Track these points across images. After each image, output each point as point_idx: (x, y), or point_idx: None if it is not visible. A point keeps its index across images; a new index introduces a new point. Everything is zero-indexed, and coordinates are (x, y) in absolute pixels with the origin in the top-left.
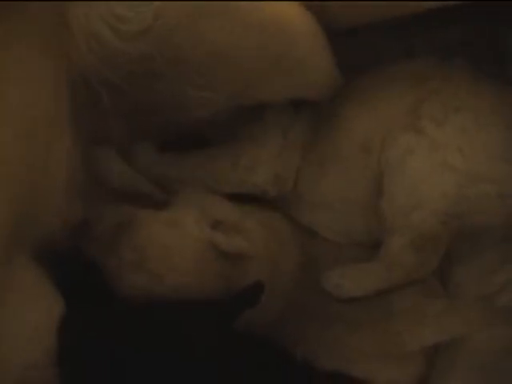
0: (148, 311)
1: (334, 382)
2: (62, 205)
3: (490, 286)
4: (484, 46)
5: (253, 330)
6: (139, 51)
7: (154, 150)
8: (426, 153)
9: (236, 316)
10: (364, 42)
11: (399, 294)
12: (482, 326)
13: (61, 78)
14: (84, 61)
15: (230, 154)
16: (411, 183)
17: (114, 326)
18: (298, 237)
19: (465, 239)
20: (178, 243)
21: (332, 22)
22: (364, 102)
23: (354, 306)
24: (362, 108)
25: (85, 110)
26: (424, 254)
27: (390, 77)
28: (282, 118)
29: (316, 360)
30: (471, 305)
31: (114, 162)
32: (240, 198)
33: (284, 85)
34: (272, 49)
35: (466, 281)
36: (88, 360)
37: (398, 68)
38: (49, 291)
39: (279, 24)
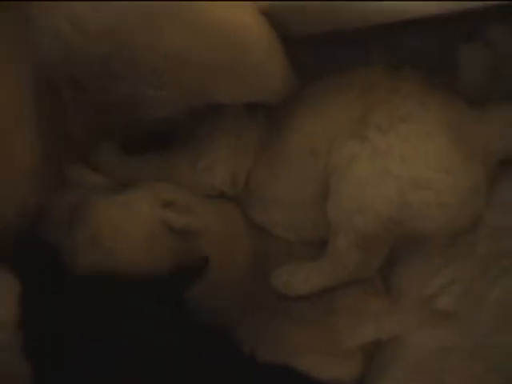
0: (99, 286)
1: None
2: (22, 193)
3: (430, 289)
4: (437, 57)
5: (204, 317)
6: (100, 51)
7: (117, 150)
8: (370, 159)
9: (184, 289)
10: (322, 48)
11: (342, 293)
12: (419, 326)
13: (23, 75)
14: (46, 59)
15: (188, 157)
16: (355, 188)
17: (66, 300)
18: (251, 230)
19: (408, 243)
20: (130, 222)
21: (288, 29)
22: (315, 107)
23: (299, 302)
24: (313, 113)
25: (48, 107)
26: (367, 254)
27: (343, 84)
28: (237, 120)
29: (262, 351)
30: (409, 306)
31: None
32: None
33: (238, 88)
34: (226, 53)
35: (408, 282)
36: (46, 332)
37: (350, 75)
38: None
39: (234, 30)
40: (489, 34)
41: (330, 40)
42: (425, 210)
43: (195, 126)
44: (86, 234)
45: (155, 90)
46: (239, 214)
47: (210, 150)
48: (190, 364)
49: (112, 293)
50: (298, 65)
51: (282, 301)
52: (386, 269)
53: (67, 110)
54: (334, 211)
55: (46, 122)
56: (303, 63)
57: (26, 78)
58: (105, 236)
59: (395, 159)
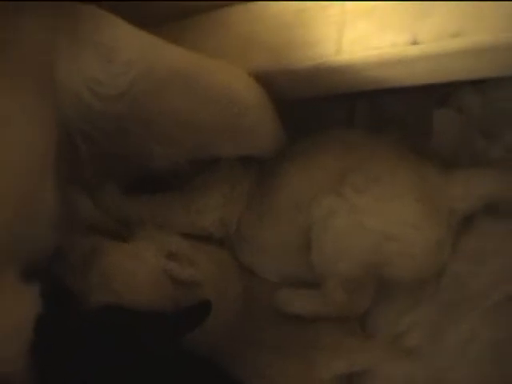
0: (108, 318)
1: None
2: (45, 234)
3: (399, 327)
4: (414, 120)
5: (198, 351)
6: (114, 111)
7: (118, 192)
8: (347, 215)
9: (185, 328)
10: (311, 109)
11: (321, 332)
12: (387, 360)
13: (47, 129)
14: (65, 114)
15: (184, 200)
16: (335, 238)
17: (79, 328)
18: (241, 272)
19: (382, 286)
20: (137, 270)
21: (279, 93)
22: (301, 164)
23: (284, 337)
24: (299, 169)
25: (64, 155)
26: (354, 295)
27: (327, 143)
28: (232, 171)
29: (251, 381)
30: (380, 342)
31: (85, 201)
32: (194, 237)
33: (235, 145)
34: (225, 116)
35: (381, 322)
36: (58, 355)
37: (334, 136)
38: (28, 297)
39: (232, 97)
40: (460, 101)
41: (318, 102)
42: (396, 259)
43: (193, 174)
44: (99, 278)
45: (162, 146)
46: (231, 259)
47: (204, 196)
48: None
49: (117, 325)
50: (288, 124)
51: (267, 335)
52: None
53: (81, 158)
54: (317, 259)
55: (63, 168)
56: (293, 122)
57: (53, 129)
58: (115, 281)
59: (369, 215)
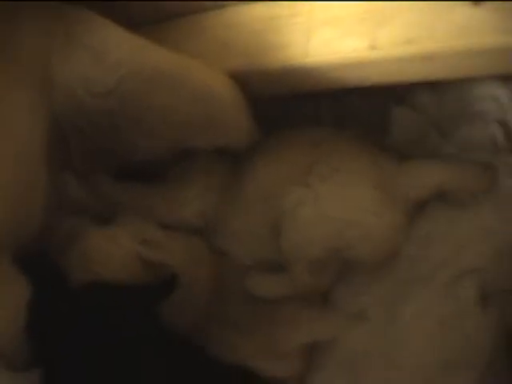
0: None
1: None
2: (37, 216)
3: (358, 304)
4: (374, 116)
5: (175, 330)
6: (104, 107)
7: (105, 179)
8: (313, 204)
9: (157, 299)
10: (280, 107)
11: (281, 306)
12: (347, 330)
13: (43, 123)
14: (59, 109)
15: (163, 192)
16: (302, 227)
17: (67, 304)
18: (216, 258)
19: (344, 267)
20: (114, 253)
21: (252, 92)
22: (271, 157)
23: (248, 314)
24: (267, 163)
25: (56, 145)
26: (318, 276)
27: (295, 139)
28: (209, 163)
29: (223, 355)
30: (339, 314)
31: (72, 186)
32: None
33: (211, 138)
34: (203, 113)
35: (340, 299)
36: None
37: (302, 133)
38: (20, 281)
39: (209, 94)
40: (417, 101)
41: (288, 100)
42: (356, 243)
43: (172, 165)
44: (79, 258)
45: (146, 139)
46: (204, 247)
47: (184, 188)
48: (160, 360)
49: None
50: (260, 120)
51: (235, 314)
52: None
53: (72, 149)
54: (286, 244)
55: (54, 158)
56: (264, 119)
57: (46, 122)
58: (94, 262)
59: (332, 203)
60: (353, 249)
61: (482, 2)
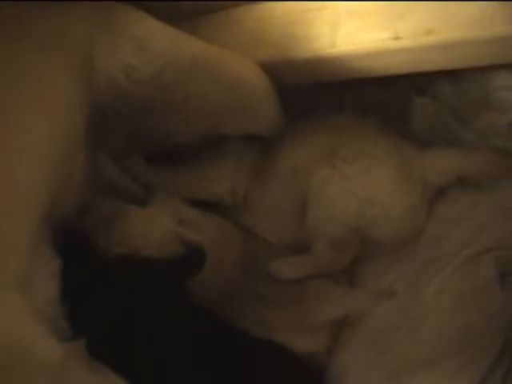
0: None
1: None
2: (75, 194)
3: (383, 283)
4: (396, 105)
5: (202, 305)
6: (143, 94)
7: (143, 162)
8: (338, 183)
9: (186, 272)
10: (307, 94)
11: (312, 283)
12: (372, 304)
13: (84, 105)
14: (101, 94)
15: (195, 172)
16: (327, 204)
17: (99, 274)
18: (241, 237)
19: (368, 246)
20: (152, 232)
21: (282, 81)
22: (299, 140)
23: (278, 290)
24: (297, 144)
25: (95, 129)
26: (339, 253)
27: (321, 124)
28: (238, 147)
29: (250, 330)
30: (365, 292)
31: (110, 167)
32: (202, 207)
33: (241, 124)
34: (236, 101)
35: (366, 278)
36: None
37: (327, 119)
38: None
39: (241, 83)
40: (437, 90)
41: (314, 88)
42: (376, 221)
43: (206, 149)
44: (118, 236)
45: (180, 123)
46: (233, 226)
47: (214, 168)
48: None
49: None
50: (289, 107)
51: (264, 290)
52: (350, 268)
53: (109, 133)
54: (311, 221)
55: (93, 140)
56: (292, 106)
57: (85, 111)
58: (134, 240)
59: (356, 183)
60: (371, 227)
61: None
